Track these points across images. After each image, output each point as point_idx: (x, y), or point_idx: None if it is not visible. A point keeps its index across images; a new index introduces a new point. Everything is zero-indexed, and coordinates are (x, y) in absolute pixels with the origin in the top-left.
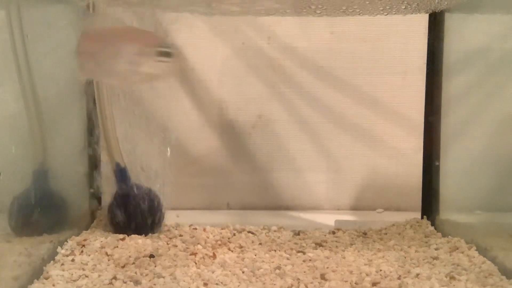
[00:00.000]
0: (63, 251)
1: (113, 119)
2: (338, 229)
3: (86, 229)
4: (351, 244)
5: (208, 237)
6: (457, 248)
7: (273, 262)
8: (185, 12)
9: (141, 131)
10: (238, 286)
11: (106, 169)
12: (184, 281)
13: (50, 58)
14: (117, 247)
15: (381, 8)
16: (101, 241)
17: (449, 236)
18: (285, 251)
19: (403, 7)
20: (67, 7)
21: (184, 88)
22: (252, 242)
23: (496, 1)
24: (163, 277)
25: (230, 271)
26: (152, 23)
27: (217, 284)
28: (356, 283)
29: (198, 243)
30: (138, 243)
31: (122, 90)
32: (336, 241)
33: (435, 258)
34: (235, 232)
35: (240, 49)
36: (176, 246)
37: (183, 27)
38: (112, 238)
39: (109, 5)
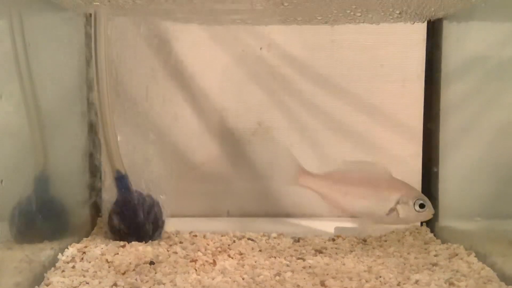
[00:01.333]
0: (63, 258)
1: (114, 126)
2: (338, 236)
3: (87, 236)
4: (351, 251)
5: (208, 244)
6: (456, 255)
7: (273, 268)
8: (186, 21)
9: (142, 139)
10: None
11: (106, 176)
12: None
13: (51, 66)
14: (118, 254)
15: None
16: (102, 248)
17: (449, 243)
18: (285, 257)
19: (396, 15)
20: (68, 16)
21: (184, 95)
22: (252, 249)
23: (494, 9)
24: (164, 284)
25: (230, 277)
26: (153, 32)
27: None
28: None
29: (198, 250)
30: (138, 250)
31: (122, 97)
32: (336, 248)
33: (435, 264)
34: (235, 239)
35: (240, 57)
36: (176, 253)
37: (183, 35)
38: (113, 245)
39: (111, 14)
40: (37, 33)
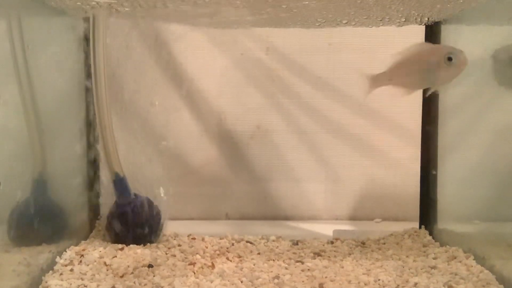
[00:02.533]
0: (61, 261)
1: (112, 129)
2: (337, 239)
3: (85, 239)
4: (350, 254)
5: (206, 247)
6: (455, 258)
7: (271, 271)
8: (185, 23)
9: (141, 141)
10: None
11: (105, 179)
12: None
13: (50, 68)
14: (116, 257)
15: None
16: (100, 251)
17: (447, 246)
18: (283, 260)
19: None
20: (67, 18)
21: (183, 98)
22: (251, 251)
23: (492, 12)
24: (162, 287)
25: (228, 280)
26: (152, 34)
27: None
28: None
29: (197, 253)
30: (136, 253)
31: (122, 100)
32: (334, 251)
33: (433, 267)
34: (233, 242)
35: (239, 60)
36: (174, 256)
37: (182, 38)
38: (111, 248)
39: (109, 17)
40: (36, 37)
